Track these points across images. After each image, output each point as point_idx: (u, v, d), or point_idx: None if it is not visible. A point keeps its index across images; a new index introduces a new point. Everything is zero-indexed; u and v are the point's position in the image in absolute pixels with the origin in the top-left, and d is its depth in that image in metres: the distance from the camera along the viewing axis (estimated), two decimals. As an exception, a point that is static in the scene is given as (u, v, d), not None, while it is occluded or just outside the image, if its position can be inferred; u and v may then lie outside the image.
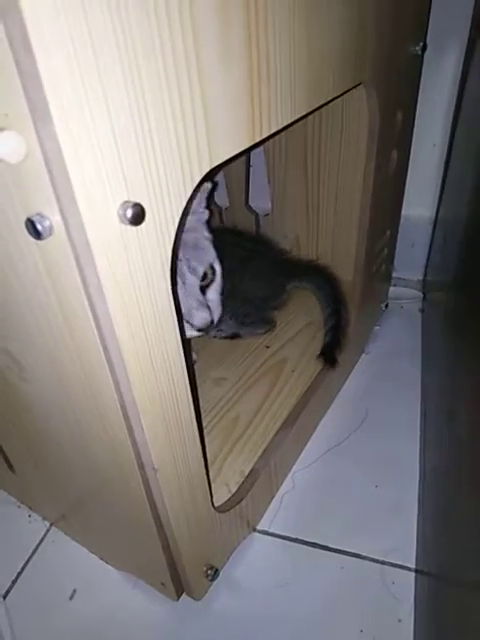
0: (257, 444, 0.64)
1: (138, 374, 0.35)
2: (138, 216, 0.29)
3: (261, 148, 0.85)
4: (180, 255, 0.55)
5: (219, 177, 0.97)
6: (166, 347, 0.36)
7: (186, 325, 0.57)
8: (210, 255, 0.59)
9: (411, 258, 1.02)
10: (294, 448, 0.73)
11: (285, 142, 0.82)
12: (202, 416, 0.68)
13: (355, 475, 0.72)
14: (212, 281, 0.60)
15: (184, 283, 0.56)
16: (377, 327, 0.96)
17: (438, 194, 0.95)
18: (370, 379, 0.84)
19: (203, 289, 0.58)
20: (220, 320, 0.76)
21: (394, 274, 1.02)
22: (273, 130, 0.40)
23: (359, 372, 0.86)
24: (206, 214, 0.60)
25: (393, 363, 0.89)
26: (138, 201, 0.29)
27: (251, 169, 0.95)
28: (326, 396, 0.80)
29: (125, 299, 0.31)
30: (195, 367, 0.77)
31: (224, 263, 0.67)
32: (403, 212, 0.93)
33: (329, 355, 0.75)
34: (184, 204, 0.33)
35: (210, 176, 0.35)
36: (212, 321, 0.58)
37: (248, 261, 0.77)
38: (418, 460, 0.73)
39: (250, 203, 0.98)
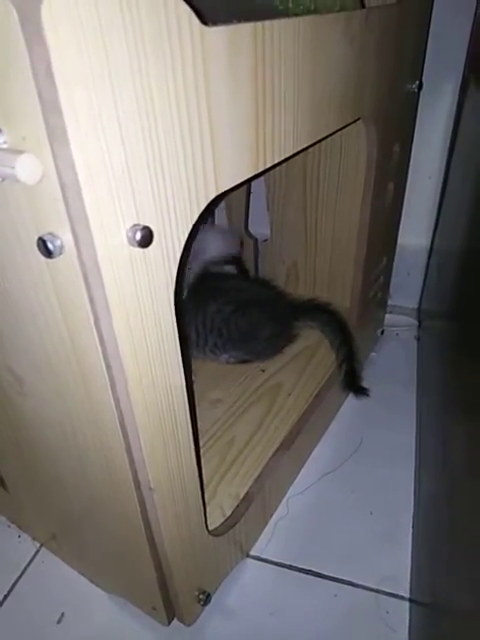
0: (252, 468, 0.64)
1: (139, 391, 0.35)
2: (146, 239, 0.30)
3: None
4: None
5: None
6: (167, 366, 0.37)
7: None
8: None
9: (407, 286, 1.03)
10: (289, 473, 0.73)
11: (285, 171, 0.84)
12: (198, 437, 0.68)
13: (350, 501, 0.71)
14: None
15: None
16: (373, 353, 0.97)
17: (433, 224, 0.97)
18: (365, 405, 0.84)
19: None
20: (232, 349, 0.78)
21: (390, 302, 1.04)
22: (276, 160, 0.42)
23: (354, 398, 0.86)
24: None
25: (389, 390, 0.89)
26: (147, 224, 0.30)
27: (251, 195, 0.97)
28: (321, 421, 0.80)
29: (130, 318, 0.32)
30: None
31: (238, 307, 0.74)
32: (399, 241, 0.95)
33: (356, 386, 0.80)
34: (190, 228, 0.34)
35: (215, 203, 0.37)
36: None
37: (261, 305, 0.80)
38: (413, 487, 0.73)
39: (249, 228, 1.00)
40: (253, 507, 0.62)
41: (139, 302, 0.32)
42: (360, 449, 0.79)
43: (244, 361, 0.82)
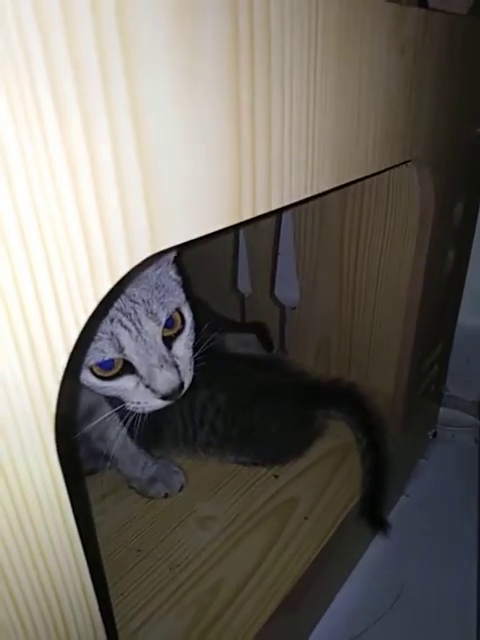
0: (240, 631, 0.45)
1: None
2: None
3: (289, 231, 0.74)
4: (134, 295, 0.41)
5: (242, 260, 0.86)
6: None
7: (146, 392, 0.42)
8: (177, 298, 0.45)
9: (466, 374, 0.84)
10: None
11: (318, 225, 0.70)
12: (172, 575, 0.50)
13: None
14: (181, 331, 0.45)
15: (139, 332, 0.41)
16: (422, 460, 0.77)
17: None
18: (409, 535, 0.64)
19: (167, 341, 0.44)
20: (230, 450, 0.62)
21: (445, 393, 0.84)
22: (274, 207, 0.27)
23: (395, 524, 0.64)
24: (173, 251, 0.46)
25: (441, 511, 0.68)
26: None
27: (279, 256, 0.83)
28: (347, 559, 0.60)
29: None
30: (180, 494, 0.60)
31: (236, 397, 0.60)
32: (458, 320, 0.77)
33: (375, 517, 0.55)
34: (82, 324, 0.19)
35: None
36: (182, 385, 0.43)
37: (266, 394, 0.62)
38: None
39: (276, 293, 0.85)
40: None
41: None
42: (399, 603, 0.57)
43: (254, 463, 0.64)
